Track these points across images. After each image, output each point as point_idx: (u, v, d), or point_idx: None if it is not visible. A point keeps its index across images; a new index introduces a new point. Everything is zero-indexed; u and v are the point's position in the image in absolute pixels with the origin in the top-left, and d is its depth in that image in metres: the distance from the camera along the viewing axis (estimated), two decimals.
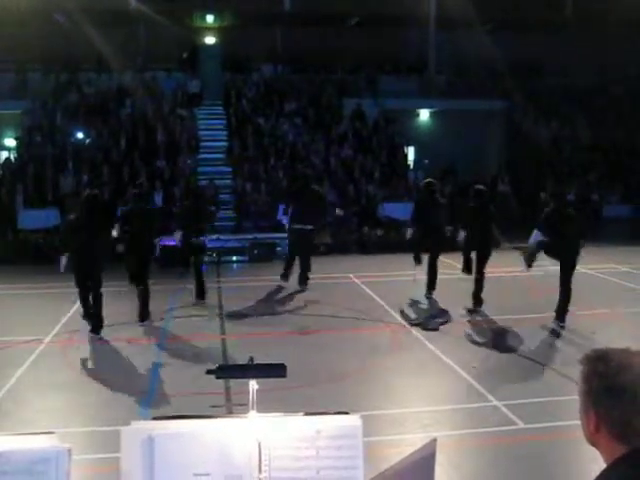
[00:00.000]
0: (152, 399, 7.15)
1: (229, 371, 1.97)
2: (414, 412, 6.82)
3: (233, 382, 7.11)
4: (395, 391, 7.51)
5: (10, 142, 22.19)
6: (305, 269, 12.16)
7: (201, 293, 11.33)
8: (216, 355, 8.62)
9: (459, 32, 21.62)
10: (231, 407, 6.56)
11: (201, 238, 11.38)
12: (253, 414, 1.93)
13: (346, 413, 2.02)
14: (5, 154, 22.09)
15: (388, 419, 6.42)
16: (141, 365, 8.40)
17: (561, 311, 9.84)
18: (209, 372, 1.97)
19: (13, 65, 22.42)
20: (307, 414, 1.98)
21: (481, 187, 11.06)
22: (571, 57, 22.54)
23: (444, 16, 22.20)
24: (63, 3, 20.66)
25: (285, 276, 12.27)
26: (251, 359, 1.99)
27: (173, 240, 11.79)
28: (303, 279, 12.18)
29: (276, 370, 1.98)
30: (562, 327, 9.67)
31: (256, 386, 1.96)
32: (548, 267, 10.45)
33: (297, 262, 12.11)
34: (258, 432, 1.89)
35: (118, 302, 11.20)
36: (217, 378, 1.94)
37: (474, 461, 5.81)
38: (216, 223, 16.71)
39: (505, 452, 5.96)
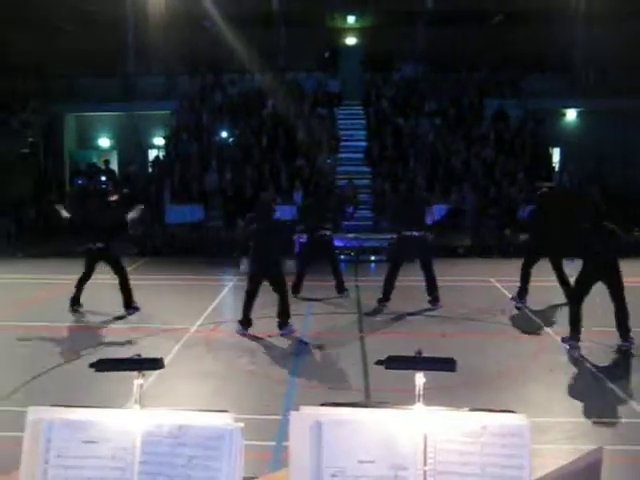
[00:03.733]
0: (293, 391, 7.29)
1: (399, 362, 1.96)
2: (558, 422, 6.56)
3: (372, 379, 7.16)
4: (538, 398, 7.26)
5: (159, 141, 23.37)
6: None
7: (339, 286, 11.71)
8: (354, 352, 8.68)
9: (608, 27, 20.60)
10: (370, 405, 6.57)
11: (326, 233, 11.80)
12: (419, 406, 1.91)
13: (512, 412, 1.97)
14: (154, 152, 23.28)
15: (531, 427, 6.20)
16: (281, 358, 8.59)
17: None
18: (378, 362, 1.97)
19: (163, 68, 23.60)
20: (473, 410, 1.94)
21: None
22: None
23: (591, 11, 21.27)
24: (209, 10, 21.52)
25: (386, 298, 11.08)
26: (419, 352, 1.98)
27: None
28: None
29: (446, 364, 1.96)
30: None
31: (423, 379, 1.94)
32: None
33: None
34: (424, 424, 1.88)
35: (262, 295, 11.54)
36: (386, 368, 1.94)
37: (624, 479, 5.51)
38: (354, 223, 16.85)
39: None
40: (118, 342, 9.01)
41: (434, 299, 10.99)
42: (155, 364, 1.91)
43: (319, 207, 11.87)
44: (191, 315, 10.55)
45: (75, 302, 10.72)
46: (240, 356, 8.70)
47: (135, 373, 1.89)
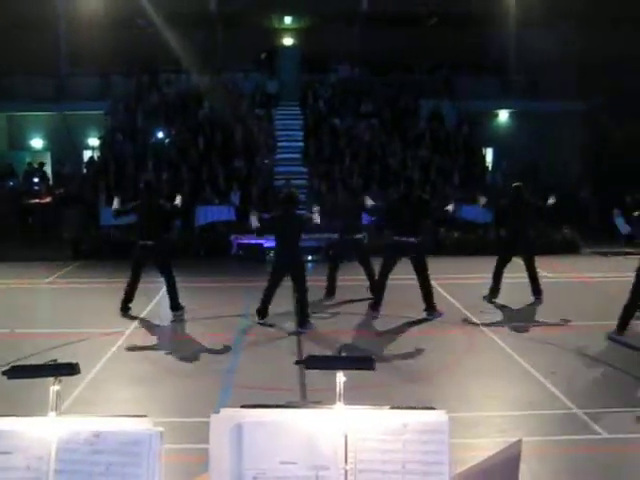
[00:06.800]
0: (228, 393, 7.25)
1: (318, 362, 1.97)
2: (489, 415, 6.71)
3: (308, 380, 7.17)
4: (470, 393, 7.40)
5: (94, 142, 22.93)
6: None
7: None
8: (291, 352, 8.68)
9: (540, 30, 21.11)
10: (307, 404, 6.59)
11: None
12: (340, 406, 1.92)
13: (432, 408, 1.99)
14: (89, 153, 22.83)
15: (463, 421, 6.30)
16: (218, 359, 8.54)
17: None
18: (298, 362, 1.98)
19: (97, 68, 23.14)
20: (393, 408, 1.96)
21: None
22: None
23: (524, 14, 21.75)
24: (145, 8, 21.23)
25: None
26: (339, 351, 1.99)
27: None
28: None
29: (365, 363, 1.98)
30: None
31: (343, 378, 1.96)
32: None
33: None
34: (345, 423, 1.89)
35: (199, 296, 11.47)
36: (306, 369, 1.95)
37: (554, 469, 5.66)
38: None
39: (587, 462, 5.77)
40: (49, 348, 8.78)
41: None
42: (71, 369, 1.88)
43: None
44: (126, 318, 10.41)
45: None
46: (176, 358, 8.62)
47: (52, 379, 1.86)
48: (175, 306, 10.55)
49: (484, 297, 11.40)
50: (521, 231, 11.25)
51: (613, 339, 9.14)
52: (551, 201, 11.15)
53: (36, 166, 22.29)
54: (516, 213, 11.22)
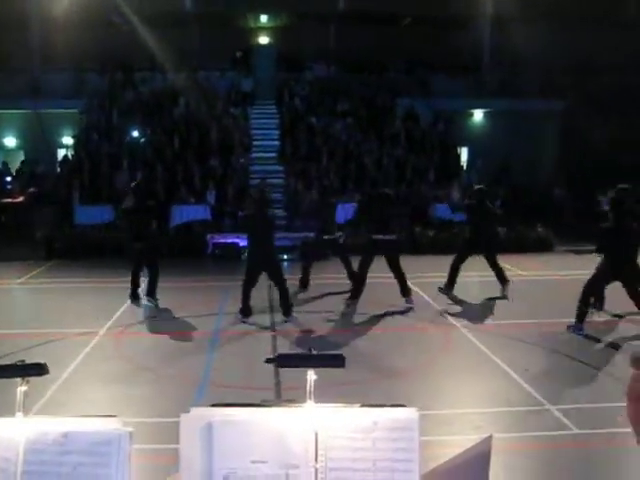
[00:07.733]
0: (203, 392, 7.23)
1: (289, 360, 1.97)
2: (464, 413, 6.76)
3: (283, 378, 7.18)
4: (445, 391, 7.45)
5: (68, 140, 22.70)
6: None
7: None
8: (266, 350, 8.67)
9: (514, 30, 21.26)
10: (280, 403, 6.58)
11: None
12: (310, 404, 1.93)
13: (403, 406, 2.00)
14: (63, 152, 22.60)
15: (437, 419, 6.35)
16: (193, 358, 8.51)
17: None
18: (268, 361, 1.97)
19: (71, 65, 22.91)
20: (363, 405, 1.97)
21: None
22: (633, 54, 21.82)
23: (499, 14, 21.91)
24: (120, 5, 21.06)
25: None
26: (310, 349, 1.99)
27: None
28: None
29: (335, 360, 1.98)
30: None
31: (314, 376, 1.96)
32: None
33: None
34: (315, 422, 1.89)
35: (175, 296, 11.42)
36: (277, 367, 1.95)
37: (527, 464, 5.71)
38: None
39: (559, 457, 5.83)
40: (21, 348, 8.67)
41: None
42: (39, 370, 1.86)
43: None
44: (101, 318, 10.32)
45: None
46: (151, 358, 8.58)
47: (19, 380, 1.84)
48: (151, 292, 10.91)
49: (439, 288, 11.68)
50: (483, 231, 11.52)
51: (574, 331, 9.36)
52: None
53: (19, 166, 22.15)
54: (480, 214, 11.56)
